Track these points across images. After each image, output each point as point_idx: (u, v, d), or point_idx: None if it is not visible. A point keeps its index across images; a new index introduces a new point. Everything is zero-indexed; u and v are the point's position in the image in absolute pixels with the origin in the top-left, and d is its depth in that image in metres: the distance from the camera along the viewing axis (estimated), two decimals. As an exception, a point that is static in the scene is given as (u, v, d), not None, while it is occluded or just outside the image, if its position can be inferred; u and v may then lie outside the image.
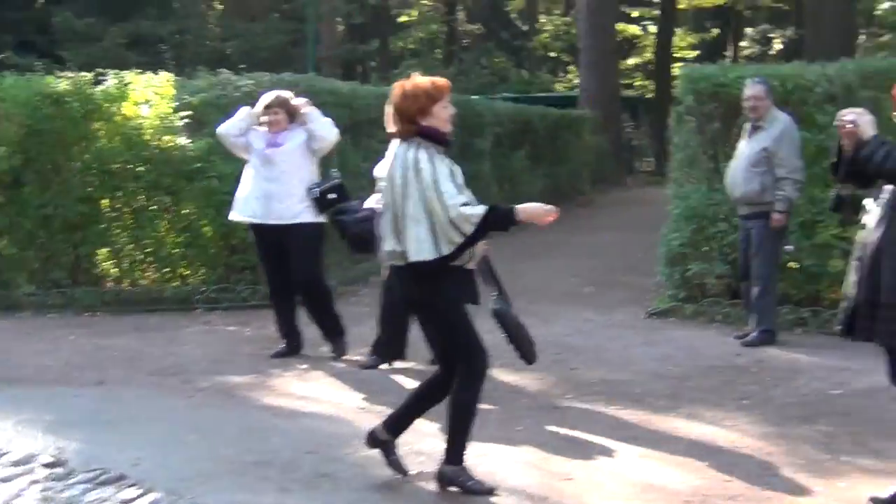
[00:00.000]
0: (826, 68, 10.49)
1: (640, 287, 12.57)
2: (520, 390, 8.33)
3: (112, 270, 12.30)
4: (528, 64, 49.64)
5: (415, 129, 5.67)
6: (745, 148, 9.66)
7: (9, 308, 11.47)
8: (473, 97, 25.66)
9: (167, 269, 12.27)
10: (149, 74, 12.23)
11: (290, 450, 6.65)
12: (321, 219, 9.05)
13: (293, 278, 9.17)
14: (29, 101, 11.58)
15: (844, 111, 5.40)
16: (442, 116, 5.66)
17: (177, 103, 11.95)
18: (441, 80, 5.75)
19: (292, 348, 9.40)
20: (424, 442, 6.47)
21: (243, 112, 9.40)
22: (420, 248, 5.61)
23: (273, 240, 9.19)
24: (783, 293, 10.29)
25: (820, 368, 8.75)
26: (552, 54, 49.94)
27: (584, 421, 7.40)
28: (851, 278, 5.46)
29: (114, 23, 27.73)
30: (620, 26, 40.51)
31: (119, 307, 11.69)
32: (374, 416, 6.81)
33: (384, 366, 8.95)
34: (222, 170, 11.32)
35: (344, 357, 9.26)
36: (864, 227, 5.40)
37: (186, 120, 11.82)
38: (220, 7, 36.39)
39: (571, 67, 46.86)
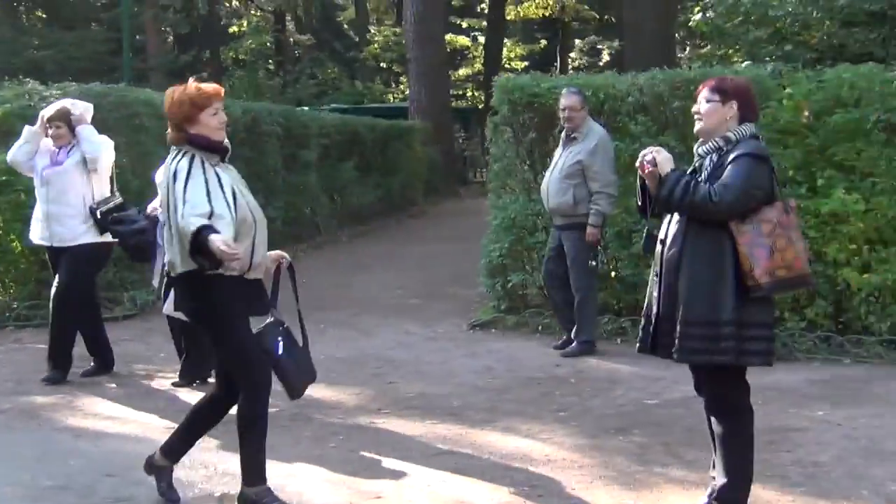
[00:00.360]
0: (637, 78, 10.59)
1: (465, 298, 12.59)
2: (335, 406, 8.24)
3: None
4: (361, 75, 49.58)
5: (184, 136, 5.51)
6: (560, 159, 9.69)
7: None
8: (300, 108, 25.52)
9: (-26, 286, 11.77)
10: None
11: (90, 473, 6.45)
12: (106, 238, 8.76)
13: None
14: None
15: (644, 151, 5.39)
16: (211, 124, 5.52)
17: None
18: (210, 87, 5.62)
19: (101, 367, 9.09)
20: (231, 462, 6.23)
21: (26, 132, 9.04)
22: (182, 259, 5.45)
23: (57, 261, 8.94)
24: (603, 303, 10.37)
25: (638, 378, 8.82)
26: (384, 65, 49.95)
27: (399, 437, 7.33)
28: (652, 293, 5.44)
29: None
30: (450, 37, 40.78)
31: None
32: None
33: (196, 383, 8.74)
34: (29, 183, 10.86)
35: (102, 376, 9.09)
36: (662, 241, 5.38)
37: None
38: (40, 15, 35.63)
39: (404, 78, 46.95)
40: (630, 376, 8.91)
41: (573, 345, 9.79)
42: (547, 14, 46.40)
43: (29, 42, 29.08)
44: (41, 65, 26.69)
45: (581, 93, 9.72)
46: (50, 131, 8.87)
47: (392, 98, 47.29)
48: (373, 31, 50.19)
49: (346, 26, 53.40)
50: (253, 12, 49.43)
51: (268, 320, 5.86)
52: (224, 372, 5.76)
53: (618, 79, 10.78)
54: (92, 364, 9.16)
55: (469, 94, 50.56)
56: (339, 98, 38.94)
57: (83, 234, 8.76)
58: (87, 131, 8.84)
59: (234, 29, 49.62)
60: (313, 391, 8.38)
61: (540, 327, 10.77)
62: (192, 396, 8.35)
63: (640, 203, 5.57)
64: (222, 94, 5.65)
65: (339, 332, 11.07)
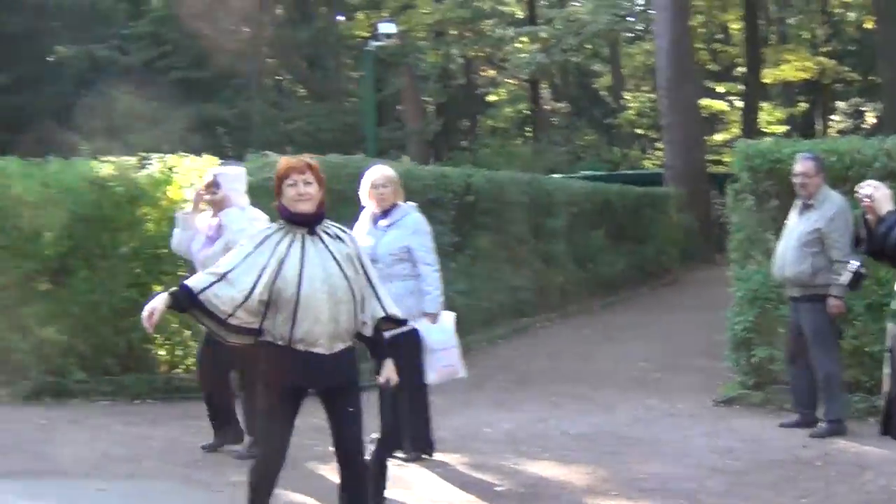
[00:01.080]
0: (884, 142, 10.03)
1: (712, 371, 12.16)
2: (564, 486, 7.99)
3: (164, 357, 12.08)
4: (619, 141, 49.43)
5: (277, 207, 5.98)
6: (795, 226, 9.22)
7: (59, 395, 11.35)
8: (550, 176, 25.50)
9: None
10: (192, 158, 12.09)
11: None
12: None
13: None
14: (74, 186, 11.51)
15: (862, 183, 4.98)
16: (288, 195, 5.83)
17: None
18: (291, 161, 5.94)
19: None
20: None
21: (178, 220, 9.17)
22: None
23: None
24: (854, 380, 9.81)
25: (890, 463, 8.24)
26: (639, 131, 49.66)
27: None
28: (885, 371, 4.99)
29: (177, 107, 28.11)
30: (705, 102, 40.12)
31: (170, 394, 11.49)
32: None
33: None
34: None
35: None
36: (893, 315, 4.94)
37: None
38: (298, 90, 36.99)
39: (659, 144, 46.54)
40: (881, 460, 8.34)
41: (822, 425, 9.25)
42: (806, 77, 45.11)
43: (282, 115, 30.17)
44: (293, 137, 27.61)
45: (817, 158, 9.26)
46: (206, 197, 8.90)
47: (648, 164, 46.86)
48: (628, 97, 50.00)
49: (603, 93, 53.42)
50: (509, 80, 50.00)
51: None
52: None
53: (864, 143, 10.24)
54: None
55: (726, 159, 49.61)
56: (591, 165, 38.81)
57: None
58: (229, 217, 8.74)
59: (491, 97, 50.32)
60: (543, 469, 8.25)
61: (787, 405, 10.21)
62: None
63: (861, 237, 5.14)
64: (303, 168, 5.85)
65: (576, 406, 10.86)
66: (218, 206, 8.83)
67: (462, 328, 15.10)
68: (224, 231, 8.66)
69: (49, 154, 12.50)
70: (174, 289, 5.82)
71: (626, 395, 11.45)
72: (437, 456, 8.69)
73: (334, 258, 5.81)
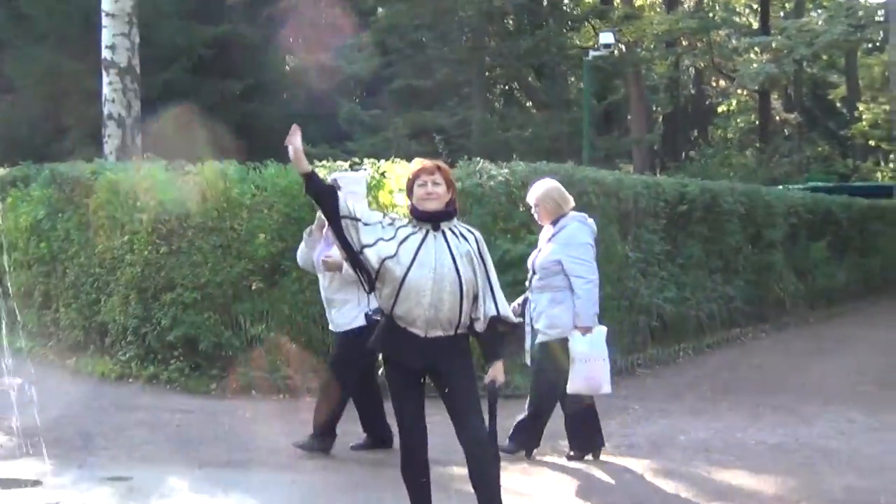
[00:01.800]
0: None
1: (925, 389, 11.76)
2: (752, 494, 7.96)
3: (371, 356, 12.40)
4: (852, 152, 47.98)
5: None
6: None
7: (266, 391, 11.76)
8: (774, 187, 25.02)
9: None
10: (403, 163, 12.37)
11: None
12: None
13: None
14: (288, 190, 11.94)
15: None
16: (417, 194, 6.29)
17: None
18: (424, 163, 6.38)
19: (373, 443, 9.34)
20: None
21: (305, 237, 9.46)
22: None
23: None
24: None
25: None
26: (871, 143, 48.07)
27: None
28: None
29: (397, 115, 28.64)
30: (943, 115, 38.52)
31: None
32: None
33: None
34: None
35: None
36: None
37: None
38: (518, 98, 37.29)
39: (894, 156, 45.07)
40: None
41: None
42: None
43: (501, 124, 30.42)
44: (511, 145, 27.81)
45: None
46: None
47: (881, 176, 45.31)
48: (862, 108, 48.45)
49: (838, 104, 51.96)
50: (739, 91, 49.17)
51: None
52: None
53: None
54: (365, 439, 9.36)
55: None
56: (818, 176, 37.79)
57: (355, 319, 8.94)
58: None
59: (721, 108, 49.57)
60: (732, 477, 8.19)
61: None
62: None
63: None
64: (433, 170, 6.32)
65: (776, 417, 10.72)
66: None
67: (670, 336, 15.25)
68: (326, 245, 8.89)
69: (274, 159, 12.97)
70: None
71: (829, 407, 11.21)
72: (627, 461, 8.77)
73: (451, 254, 6.19)
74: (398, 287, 6.15)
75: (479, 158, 13.00)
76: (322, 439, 9.14)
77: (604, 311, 12.74)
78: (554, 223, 8.77)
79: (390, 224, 6.28)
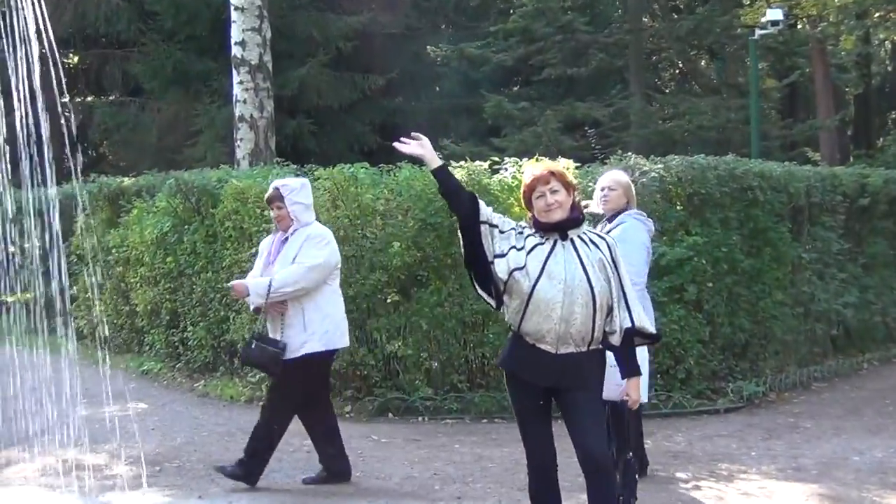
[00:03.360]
0: None
1: None
2: None
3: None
4: None
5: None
6: None
7: (406, 413, 11.84)
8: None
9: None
10: (547, 162, 12.26)
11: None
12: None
13: None
14: (424, 194, 11.94)
15: None
16: (538, 206, 6.30)
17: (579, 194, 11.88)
18: (536, 171, 6.35)
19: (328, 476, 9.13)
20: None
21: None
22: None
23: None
24: None
25: None
26: None
27: None
28: None
29: (548, 107, 28.41)
30: None
31: (521, 414, 11.70)
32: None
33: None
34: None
35: None
36: None
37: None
38: (679, 83, 36.65)
39: None
40: None
41: None
42: None
43: (660, 113, 29.99)
44: (673, 137, 27.37)
45: None
46: (271, 213, 9.06)
47: None
48: None
49: None
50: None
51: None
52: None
53: None
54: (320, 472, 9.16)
55: None
56: None
57: (301, 346, 8.79)
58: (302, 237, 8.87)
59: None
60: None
61: None
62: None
63: None
64: (547, 178, 6.26)
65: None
66: (283, 222, 8.94)
67: (853, 346, 14.86)
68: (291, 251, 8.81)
69: (410, 161, 12.99)
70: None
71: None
72: (792, 486, 8.57)
73: (582, 263, 6.17)
74: (526, 301, 6.13)
75: (630, 154, 12.82)
76: (246, 466, 8.99)
77: (774, 319, 12.59)
78: (611, 219, 8.64)
79: (520, 233, 6.26)
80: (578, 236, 6.26)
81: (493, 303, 6.30)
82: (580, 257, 6.17)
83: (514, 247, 6.18)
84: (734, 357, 12.50)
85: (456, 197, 6.28)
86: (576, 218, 6.26)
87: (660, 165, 12.18)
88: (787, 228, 13.29)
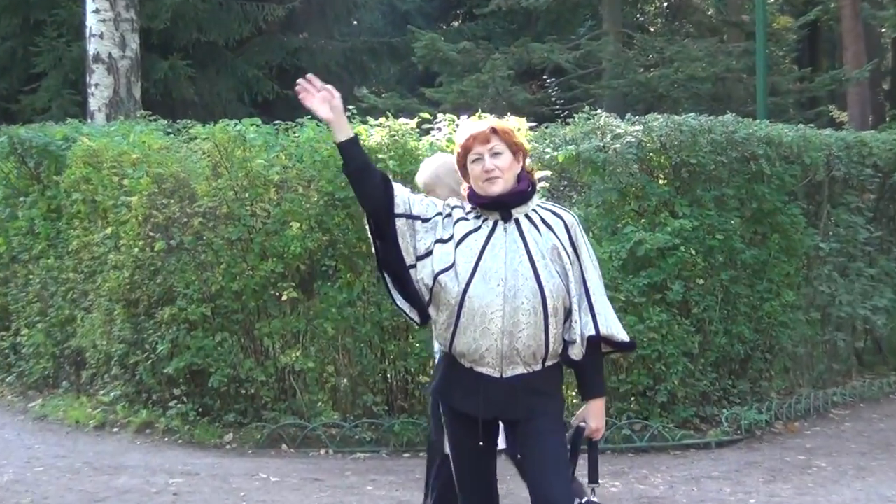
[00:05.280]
0: None
1: None
2: None
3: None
4: None
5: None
6: None
7: (305, 443, 11.83)
8: None
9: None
10: (491, 119, 12.19)
11: None
12: None
13: None
14: (332, 161, 11.80)
15: None
16: (473, 172, 6.07)
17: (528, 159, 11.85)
18: (473, 128, 6.09)
19: None
20: None
21: None
22: None
23: None
24: None
25: None
26: None
27: None
28: None
29: (496, 49, 28.45)
30: None
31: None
32: None
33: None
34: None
35: None
36: None
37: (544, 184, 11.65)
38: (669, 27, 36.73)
39: None
40: None
41: None
42: None
43: (641, 59, 29.96)
44: (653, 88, 27.29)
45: None
46: None
47: None
48: None
49: None
50: None
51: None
52: None
53: None
54: None
55: None
56: None
57: None
58: None
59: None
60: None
61: None
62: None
63: None
64: (486, 136, 6.00)
65: None
66: None
67: (881, 361, 14.98)
68: None
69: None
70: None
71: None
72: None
73: (529, 253, 5.91)
74: (457, 311, 5.90)
75: (601, 111, 12.83)
76: None
77: (783, 327, 12.65)
78: None
79: (448, 216, 6.05)
80: (526, 215, 6.03)
81: (416, 318, 6.11)
82: (526, 245, 5.93)
83: (440, 239, 5.97)
84: (730, 375, 12.56)
85: (362, 180, 6.00)
86: (522, 191, 6.02)
87: (638, 127, 12.19)
88: (801, 210, 13.33)
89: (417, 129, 12.29)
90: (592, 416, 6.05)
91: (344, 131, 5.98)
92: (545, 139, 12.26)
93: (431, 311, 6.01)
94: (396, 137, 12.00)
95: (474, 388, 5.97)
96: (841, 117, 31.73)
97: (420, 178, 8.52)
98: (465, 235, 5.97)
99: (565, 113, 15.29)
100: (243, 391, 12.08)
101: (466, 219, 6.04)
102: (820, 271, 13.80)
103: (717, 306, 12.26)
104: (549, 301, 5.84)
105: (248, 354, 11.99)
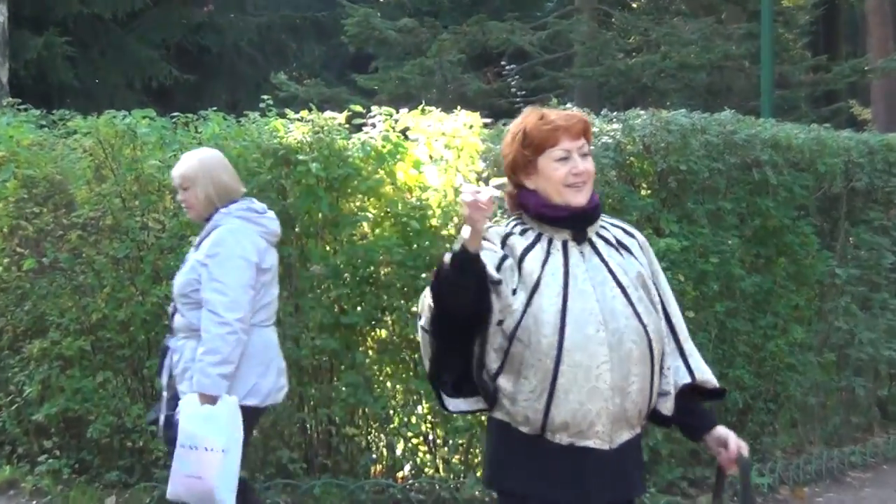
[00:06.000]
0: None
1: None
2: None
3: (389, 453, 12.42)
4: None
5: (516, 195, 5.91)
6: None
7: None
8: None
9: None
10: (440, 114, 12.23)
11: None
12: None
13: None
14: (240, 162, 11.74)
15: None
16: (555, 175, 5.70)
17: (483, 162, 11.92)
18: (556, 117, 5.82)
19: None
20: None
21: None
22: None
23: None
24: None
25: None
26: None
27: None
28: None
29: (444, 28, 28.59)
30: None
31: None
32: None
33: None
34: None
35: None
36: None
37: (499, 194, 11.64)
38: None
39: None
40: None
41: None
42: None
43: (620, 43, 30.09)
44: (635, 77, 27.32)
45: None
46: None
47: None
48: None
49: None
50: None
51: None
52: None
53: None
54: None
55: None
56: None
57: None
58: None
59: None
60: None
61: None
62: None
63: None
64: (579, 131, 5.74)
65: None
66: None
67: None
68: None
69: (219, 109, 12.92)
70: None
71: None
72: None
73: (618, 282, 5.64)
74: (553, 370, 5.50)
75: (572, 105, 12.87)
76: None
77: (791, 370, 12.68)
78: (208, 219, 8.76)
79: (508, 251, 5.66)
80: (598, 234, 5.78)
81: (484, 406, 5.74)
82: (612, 273, 5.65)
83: (513, 290, 5.54)
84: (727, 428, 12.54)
85: (466, 293, 5.41)
86: (598, 204, 5.80)
87: (616, 125, 12.24)
88: (814, 229, 13.40)
89: (347, 125, 12.28)
90: (731, 437, 5.87)
91: (476, 244, 5.37)
92: (503, 138, 12.24)
93: (503, 381, 5.59)
94: (321, 135, 11.98)
95: (578, 470, 5.60)
96: (863, 115, 31.92)
97: (179, 171, 8.61)
98: (541, 270, 5.60)
99: (528, 106, 15.23)
100: (130, 444, 12.03)
101: (530, 246, 5.68)
102: (836, 303, 13.82)
103: (710, 345, 12.24)
104: (654, 344, 5.62)
105: (136, 399, 11.96)
